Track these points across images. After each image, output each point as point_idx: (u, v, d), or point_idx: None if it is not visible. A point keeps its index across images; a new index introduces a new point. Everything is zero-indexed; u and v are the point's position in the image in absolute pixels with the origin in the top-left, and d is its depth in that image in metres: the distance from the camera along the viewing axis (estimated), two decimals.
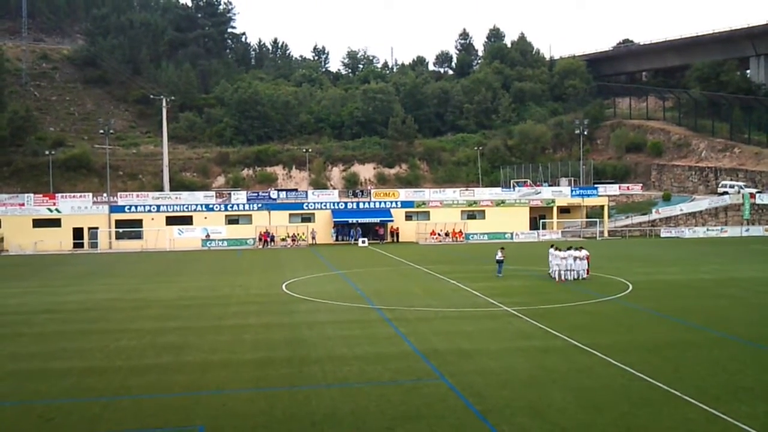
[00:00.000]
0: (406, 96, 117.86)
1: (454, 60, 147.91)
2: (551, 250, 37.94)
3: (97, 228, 72.08)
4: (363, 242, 72.15)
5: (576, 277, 37.09)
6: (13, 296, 35.41)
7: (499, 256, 40.13)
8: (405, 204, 77.79)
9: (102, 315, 28.83)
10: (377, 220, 75.53)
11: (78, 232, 72.22)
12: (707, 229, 77.24)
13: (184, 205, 74.56)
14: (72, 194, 77.06)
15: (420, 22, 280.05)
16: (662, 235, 76.63)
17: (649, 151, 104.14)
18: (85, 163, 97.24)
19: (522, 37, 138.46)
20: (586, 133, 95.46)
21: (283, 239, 72.79)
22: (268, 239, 72.25)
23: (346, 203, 77.19)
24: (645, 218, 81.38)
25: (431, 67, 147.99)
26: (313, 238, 74.07)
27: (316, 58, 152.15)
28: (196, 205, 74.68)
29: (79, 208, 72.85)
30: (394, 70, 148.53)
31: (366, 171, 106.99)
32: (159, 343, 22.95)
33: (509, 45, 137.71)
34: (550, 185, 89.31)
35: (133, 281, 41.41)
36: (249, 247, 72.05)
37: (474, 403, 15.87)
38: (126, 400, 16.77)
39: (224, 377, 18.58)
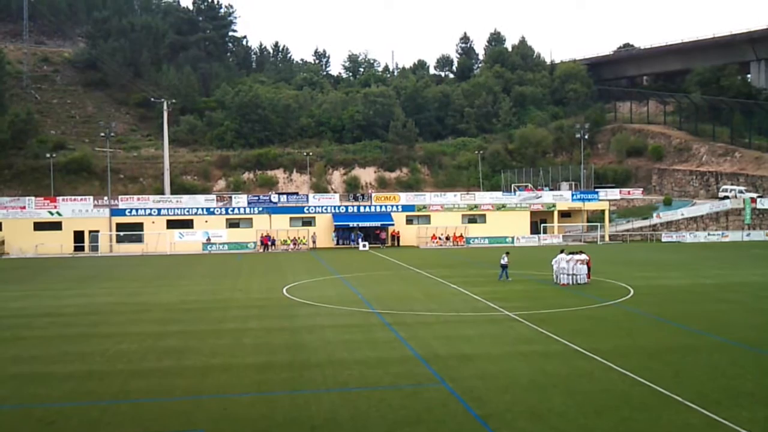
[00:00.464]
0: (406, 100, 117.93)
1: (455, 64, 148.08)
2: (561, 256, 37.74)
3: (98, 231, 72.08)
4: (364, 246, 72.13)
5: (575, 281, 37.02)
6: (13, 299, 35.41)
7: (504, 260, 40.12)
8: (406, 208, 77.77)
9: (103, 318, 28.82)
10: (378, 223, 75.49)
11: (79, 236, 72.21)
12: (708, 234, 77.19)
13: (184, 208, 74.56)
14: (73, 197, 77.11)
15: (421, 26, 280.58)
16: (663, 239, 76.58)
17: (650, 155, 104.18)
18: (86, 166, 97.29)
19: (523, 41, 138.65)
20: (586, 137, 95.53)
21: (284, 243, 72.76)
22: (269, 243, 72.24)
23: (346, 207, 77.17)
24: (646, 223, 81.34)
25: (432, 71, 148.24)
26: (314, 241, 74.05)
27: (317, 61, 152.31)
28: (197, 208, 74.68)
29: (80, 211, 72.85)
30: (395, 73, 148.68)
31: (367, 175, 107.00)
32: (160, 346, 22.95)
33: (510, 49, 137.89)
34: (550, 189, 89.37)
35: (134, 285, 41.40)
36: (250, 250, 72.03)
37: (474, 408, 15.87)
38: (126, 404, 16.77)
39: (225, 381, 18.58)
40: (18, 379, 19.16)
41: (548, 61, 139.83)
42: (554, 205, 79.99)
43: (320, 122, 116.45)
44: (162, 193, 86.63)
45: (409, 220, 77.51)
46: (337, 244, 75.42)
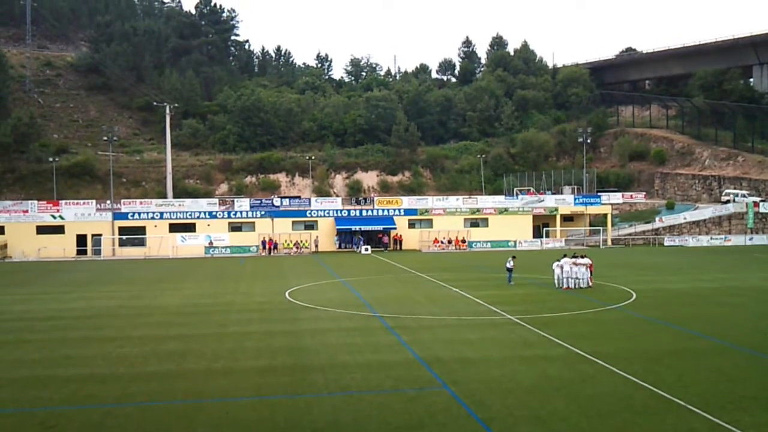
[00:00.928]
0: (408, 103, 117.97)
1: (457, 68, 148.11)
2: (566, 260, 37.67)
3: (100, 235, 72.15)
4: (366, 250, 72.12)
5: (577, 285, 36.97)
6: (16, 303, 35.45)
7: (509, 264, 40.09)
8: (408, 212, 77.79)
9: (105, 322, 28.82)
10: (380, 227, 75.52)
11: (81, 239, 72.31)
12: (711, 238, 77.13)
13: (187, 212, 74.62)
14: (75, 201, 77.21)
15: (423, 30, 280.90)
16: (666, 243, 76.54)
17: (653, 159, 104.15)
18: (88, 170, 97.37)
19: (525, 45, 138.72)
20: (589, 141, 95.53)
21: (286, 246, 72.70)
22: (273, 247, 72.26)
23: (349, 211, 77.20)
24: (648, 227, 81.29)
25: (434, 75, 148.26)
26: (317, 245, 74.05)
27: (319, 65, 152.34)
28: (199, 212, 74.75)
29: (82, 215, 72.95)
30: (397, 77, 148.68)
31: (369, 178, 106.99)
32: (161, 350, 22.94)
33: (512, 53, 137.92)
34: (553, 193, 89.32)
35: (136, 288, 41.42)
36: (252, 254, 72.03)
37: (477, 412, 15.84)
38: (128, 408, 16.76)
39: (226, 385, 18.56)
40: (19, 383, 19.16)
41: (550, 65, 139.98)
42: (556, 209, 79.96)
43: (322, 126, 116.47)
44: (164, 196, 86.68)
45: (412, 224, 77.50)
46: (340, 247, 75.40)
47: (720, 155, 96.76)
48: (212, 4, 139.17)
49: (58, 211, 73.07)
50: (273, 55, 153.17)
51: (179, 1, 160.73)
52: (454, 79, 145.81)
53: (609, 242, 77.73)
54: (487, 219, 78.48)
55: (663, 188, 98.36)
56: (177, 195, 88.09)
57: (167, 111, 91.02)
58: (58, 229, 72.05)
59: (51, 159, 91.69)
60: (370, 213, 77.15)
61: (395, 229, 75.91)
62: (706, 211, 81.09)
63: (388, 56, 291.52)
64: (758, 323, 26.70)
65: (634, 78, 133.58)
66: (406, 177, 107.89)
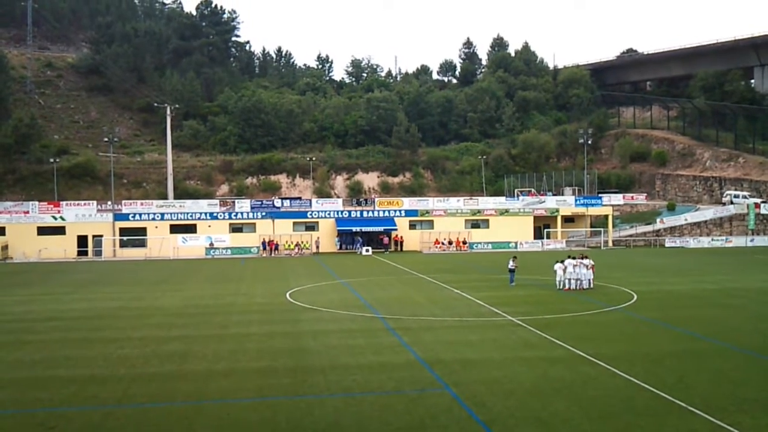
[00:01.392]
0: (409, 105, 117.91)
1: (458, 69, 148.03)
2: (569, 261, 37.67)
3: (101, 236, 72.13)
4: (367, 251, 72.10)
5: (579, 286, 36.95)
6: (17, 304, 35.45)
7: (511, 265, 40.07)
8: (409, 213, 77.75)
9: (105, 323, 28.82)
10: (381, 228, 75.47)
11: (82, 240, 72.30)
12: (712, 239, 77.07)
13: (188, 213, 74.61)
14: (76, 202, 77.21)
15: (424, 31, 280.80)
16: (667, 244, 76.47)
17: (654, 160, 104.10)
18: (89, 171, 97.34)
19: (526, 46, 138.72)
20: (590, 142, 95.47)
21: (287, 247, 72.61)
22: (274, 248, 72.24)
23: (350, 212, 77.17)
24: (649, 228, 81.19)
25: (435, 76, 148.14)
26: (317, 246, 74.03)
27: (319, 66, 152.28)
28: (200, 213, 74.73)
29: (83, 216, 72.94)
30: (398, 78, 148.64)
31: (370, 180, 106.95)
32: (162, 351, 22.93)
33: (513, 54, 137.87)
34: (554, 194, 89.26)
35: (137, 289, 41.41)
36: (253, 255, 72.01)
37: (478, 413, 15.82)
38: (129, 409, 16.76)
39: (227, 386, 18.56)
40: (20, 384, 19.16)
41: (551, 66, 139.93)
42: (557, 211, 79.91)
43: (323, 127, 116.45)
44: (165, 197, 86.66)
45: (412, 225, 77.45)
46: (340, 248, 75.36)
47: (721, 156, 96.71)
48: (213, 5, 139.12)
49: (59, 212, 73.06)
50: (274, 56, 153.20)
51: (180, 2, 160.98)
52: (454, 80, 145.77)
53: (610, 243, 77.67)
54: (487, 220, 78.45)
55: (664, 189, 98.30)
56: (178, 196, 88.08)
57: (168, 112, 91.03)
58: (59, 230, 72.04)
59: (52, 160, 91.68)
60: (370, 214, 77.12)
61: (396, 230, 75.86)
62: (707, 213, 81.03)
63: (388, 57, 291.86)
64: (759, 325, 26.68)
65: (635, 79, 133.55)
66: (406, 178, 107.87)
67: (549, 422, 15.24)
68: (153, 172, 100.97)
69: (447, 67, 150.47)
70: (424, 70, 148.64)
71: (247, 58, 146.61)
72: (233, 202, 78.43)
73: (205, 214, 74.69)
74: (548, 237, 77.95)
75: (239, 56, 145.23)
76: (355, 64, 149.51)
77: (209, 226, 74.12)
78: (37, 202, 75.06)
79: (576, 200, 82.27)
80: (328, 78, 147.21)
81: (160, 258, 69.80)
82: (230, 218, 75.04)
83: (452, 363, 20.61)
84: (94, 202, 76.41)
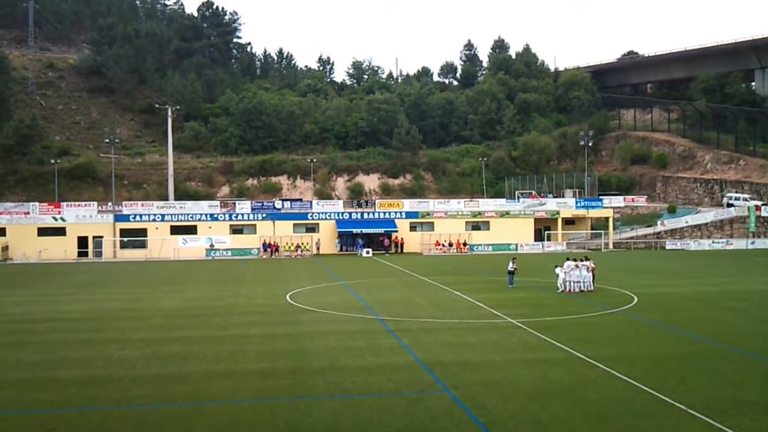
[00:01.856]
0: (410, 106, 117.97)
1: (459, 71, 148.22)
2: (569, 263, 37.66)
3: (101, 237, 72.12)
4: (367, 253, 72.07)
5: (583, 289, 36.91)
6: (17, 305, 35.44)
7: (510, 266, 40.07)
8: (409, 215, 77.72)
9: (105, 324, 28.81)
10: (381, 230, 75.42)
11: (83, 241, 72.27)
12: (712, 242, 77.01)
13: (188, 214, 74.59)
14: (77, 203, 77.17)
15: (425, 33, 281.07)
16: (667, 247, 76.40)
17: (654, 162, 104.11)
18: (90, 172, 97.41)
19: (527, 49, 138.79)
20: (590, 144, 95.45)
21: (287, 249, 72.57)
22: (275, 249, 72.23)
23: (350, 213, 77.14)
24: (650, 230, 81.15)
25: (436, 78, 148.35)
26: (318, 248, 74.01)
27: (321, 68, 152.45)
28: (201, 214, 74.71)
29: (83, 217, 72.93)
30: (399, 80, 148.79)
31: (370, 181, 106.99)
32: (162, 352, 22.93)
33: (514, 56, 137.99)
34: (554, 197, 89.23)
35: (137, 290, 41.40)
36: (253, 257, 71.99)
37: (478, 416, 15.81)
38: (129, 410, 16.75)
39: (227, 387, 18.55)
40: (20, 385, 19.16)
41: (552, 68, 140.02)
42: (558, 213, 79.88)
43: (324, 129, 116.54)
44: (166, 199, 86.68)
45: (413, 227, 77.42)
46: (341, 250, 75.33)
47: (722, 159, 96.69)
48: (214, 6, 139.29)
49: (59, 213, 73.03)
50: (275, 57, 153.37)
51: (181, 4, 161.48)
52: (455, 82, 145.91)
53: (610, 246, 77.62)
54: (488, 222, 78.41)
55: (665, 192, 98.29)
56: (178, 197, 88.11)
57: (169, 113, 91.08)
58: (60, 231, 72.00)
59: (53, 161, 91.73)
60: (371, 216, 77.10)
61: (396, 231, 75.83)
62: (708, 215, 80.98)
63: (389, 59, 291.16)
64: (760, 327, 26.67)
65: (636, 81, 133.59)
66: (407, 180, 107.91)
67: (548, 424, 15.23)
68: (154, 173, 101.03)
69: (448, 69, 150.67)
70: (424, 72, 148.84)
71: (249, 60, 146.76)
72: (234, 203, 78.41)
73: (206, 215, 74.67)
74: (549, 239, 77.91)
75: (240, 58, 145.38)
76: (356, 65, 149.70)
77: (210, 228, 74.10)
78: (37, 203, 75.03)
79: (576, 202, 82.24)
80: (329, 80, 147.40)
81: (161, 259, 69.79)
82: (231, 220, 75.00)
83: (452, 365, 20.60)
84: (95, 203, 76.40)
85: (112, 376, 19.84)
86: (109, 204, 75.80)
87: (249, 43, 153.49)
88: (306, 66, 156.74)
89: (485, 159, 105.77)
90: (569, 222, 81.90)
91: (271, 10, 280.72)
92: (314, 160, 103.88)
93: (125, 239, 72.61)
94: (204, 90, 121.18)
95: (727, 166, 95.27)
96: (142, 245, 72.34)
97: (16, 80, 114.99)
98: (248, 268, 57.43)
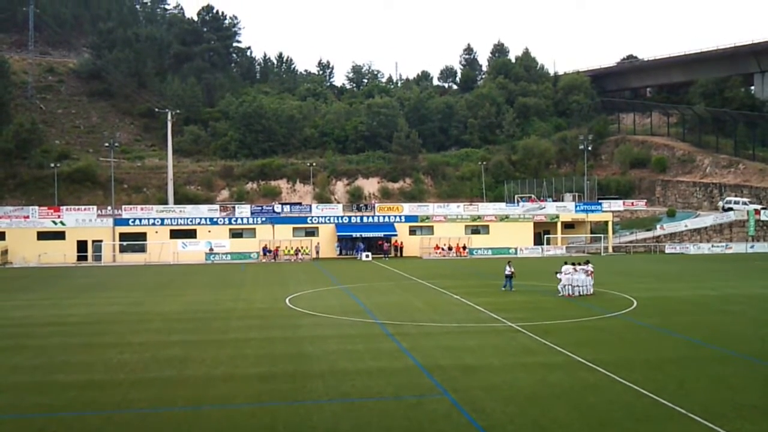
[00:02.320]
0: (410, 110, 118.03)
1: (459, 75, 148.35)
2: (567, 267, 37.68)
3: (101, 241, 72.10)
4: (367, 256, 72.05)
5: (582, 293, 36.92)
6: (16, 308, 35.41)
7: (508, 270, 40.10)
8: (409, 218, 77.72)
9: (105, 328, 28.79)
10: (381, 234, 75.40)
11: (82, 245, 72.23)
12: (712, 246, 77.01)
13: (188, 218, 74.59)
14: (76, 207, 77.18)
15: (424, 37, 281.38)
16: (667, 251, 76.40)
17: (654, 166, 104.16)
18: (89, 176, 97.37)
19: (526, 53, 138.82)
20: (590, 148, 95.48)
21: (287, 253, 72.55)
22: (278, 252, 72.27)
23: (350, 217, 77.13)
24: (649, 234, 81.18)
25: (435, 82, 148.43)
26: (317, 252, 74.00)
27: (320, 72, 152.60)
28: (200, 218, 74.71)
29: (83, 221, 72.92)
30: (399, 84, 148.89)
31: (370, 185, 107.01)
32: (162, 356, 22.92)
33: (513, 60, 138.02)
34: (554, 201, 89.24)
35: (137, 294, 41.38)
36: (253, 260, 71.98)
37: (477, 419, 15.81)
38: (128, 414, 16.74)
39: (227, 391, 18.55)
40: (19, 389, 19.14)
41: (552, 72, 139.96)
42: (557, 217, 79.89)
43: (324, 133, 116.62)
44: (165, 203, 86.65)
45: (412, 231, 77.41)
46: (340, 254, 75.33)
47: (721, 163, 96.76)
48: (214, 10, 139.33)
49: (59, 216, 73.03)
50: (275, 61, 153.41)
51: (181, 8, 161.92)
52: (455, 86, 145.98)
53: (610, 250, 77.64)
54: (488, 226, 78.41)
55: (664, 196, 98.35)
56: (178, 201, 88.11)
57: (169, 117, 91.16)
58: (59, 235, 71.95)
59: (52, 165, 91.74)
60: (370, 220, 77.11)
61: (396, 235, 75.84)
62: (707, 219, 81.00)
63: (389, 63, 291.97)
64: (759, 331, 26.66)
65: (635, 85, 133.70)
66: (407, 184, 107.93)
67: (548, 428, 15.22)
68: (153, 177, 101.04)
69: (447, 73, 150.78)
70: (424, 76, 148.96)
71: (248, 64, 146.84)
72: (233, 207, 78.40)
73: (205, 219, 74.68)
74: (548, 243, 77.89)
75: (240, 62, 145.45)
76: (356, 69, 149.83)
77: (209, 232, 74.10)
78: (37, 207, 75.05)
79: (576, 206, 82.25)
80: (328, 84, 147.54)
81: (160, 263, 69.78)
82: (230, 223, 75.00)
83: (451, 369, 20.59)
84: (94, 207, 76.37)
85: (112, 380, 19.83)
86: (109, 208, 75.78)
87: (249, 48, 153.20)
88: (306, 70, 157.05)
89: (485, 163, 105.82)
90: (569, 226, 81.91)
91: (271, 15, 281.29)
92: (314, 164, 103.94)
93: (125, 243, 72.58)
94: (204, 94, 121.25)
95: (727, 170, 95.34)
96: (142, 249, 72.33)
97: (16, 84, 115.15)
98: (248, 272, 57.43)
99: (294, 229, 75.32)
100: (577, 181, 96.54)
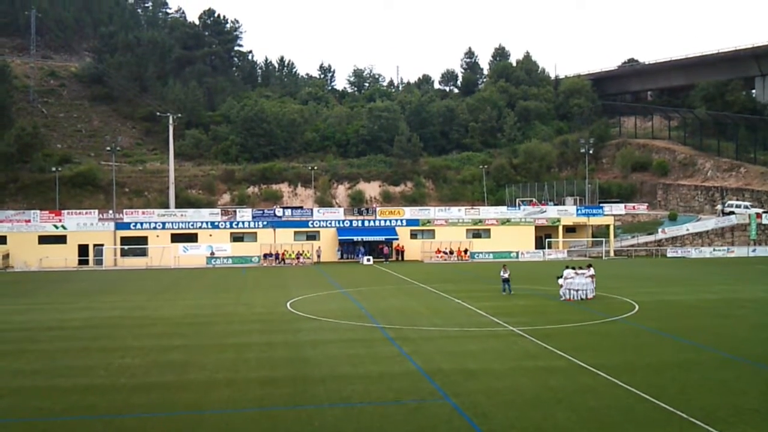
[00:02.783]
0: (411, 114, 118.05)
1: (460, 79, 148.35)
2: (569, 271, 37.67)
3: (102, 245, 72.16)
4: (368, 260, 72.04)
5: (583, 297, 36.88)
6: (17, 313, 35.45)
7: (504, 274, 40.10)
8: (410, 222, 77.73)
9: (106, 332, 28.80)
10: (382, 238, 75.41)
11: (83, 249, 72.31)
12: (713, 249, 76.96)
13: (189, 222, 74.64)
14: (78, 211, 77.29)
15: (426, 41, 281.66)
16: (668, 255, 76.37)
17: (655, 170, 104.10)
18: (91, 180, 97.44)
19: (527, 56, 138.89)
20: (591, 152, 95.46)
21: (288, 257, 72.55)
22: (276, 257, 72.25)
23: (351, 221, 77.16)
24: (651, 238, 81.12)
25: (437, 86, 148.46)
26: (319, 256, 74.00)
27: (322, 76, 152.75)
28: (202, 222, 74.75)
29: (84, 225, 73.01)
30: (400, 88, 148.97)
31: (371, 189, 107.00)
32: (163, 361, 22.92)
33: (514, 64, 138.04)
34: (555, 204, 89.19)
35: (138, 298, 41.40)
36: (254, 264, 71.99)
37: (479, 424, 15.79)
38: (129, 419, 16.73)
39: (228, 396, 18.54)
40: (20, 393, 19.15)
41: (553, 76, 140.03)
42: (559, 220, 79.89)
43: (325, 137, 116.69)
44: (167, 206, 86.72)
45: (414, 235, 77.42)
46: (341, 258, 75.34)
47: (722, 166, 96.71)
48: (216, 14, 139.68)
49: (60, 220, 73.14)
50: (276, 65, 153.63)
51: (183, 12, 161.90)
52: (456, 90, 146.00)
53: (611, 253, 77.60)
54: (489, 230, 78.42)
55: (665, 199, 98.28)
56: (179, 205, 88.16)
57: (170, 121, 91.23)
58: (60, 239, 72.08)
59: (54, 169, 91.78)
60: (372, 223, 77.11)
61: (397, 239, 75.84)
62: (709, 223, 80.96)
63: (390, 67, 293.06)
64: (761, 335, 26.63)
65: (636, 89, 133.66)
66: (408, 187, 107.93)
67: None
68: (155, 181, 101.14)
69: (449, 77, 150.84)
70: (425, 80, 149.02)
71: (250, 68, 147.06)
72: (234, 211, 78.47)
73: (207, 223, 74.73)
74: (549, 247, 77.90)
75: (242, 66, 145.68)
76: (357, 73, 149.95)
77: (210, 236, 74.15)
78: (38, 211, 75.17)
79: (577, 210, 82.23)
80: (330, 87, 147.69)
81: (161, 267, 69.82)
82: (231, 227, 75.06)
83: (453, 373, 20.57)
84: (96, 211, 76.47)
85: (113, 385, 19.82)
86: (110, 212, 75.89)
87: (250, 51, 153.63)
88: (307, 74, 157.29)
89: (486, 167, 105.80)
90: (570, 230, 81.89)
91: (272, 19, 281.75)
92: (315, 167, 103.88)
93: (126, 247, 72.65)
94: (205, 98, 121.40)
95: (728, 173, 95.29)
96: (143, 253, 72.40)
97: (17, 88, 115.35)
98: (249, 276, 57.44)
99: (295, 232, 75.38)
100: (578, 185, 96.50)
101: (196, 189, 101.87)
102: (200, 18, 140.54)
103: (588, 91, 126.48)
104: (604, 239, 78.44)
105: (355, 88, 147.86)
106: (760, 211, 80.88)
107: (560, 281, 37.60)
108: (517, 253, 75.49)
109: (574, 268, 38.35)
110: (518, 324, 29.01)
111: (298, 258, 72.31)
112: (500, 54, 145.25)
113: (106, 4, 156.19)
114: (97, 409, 17.54)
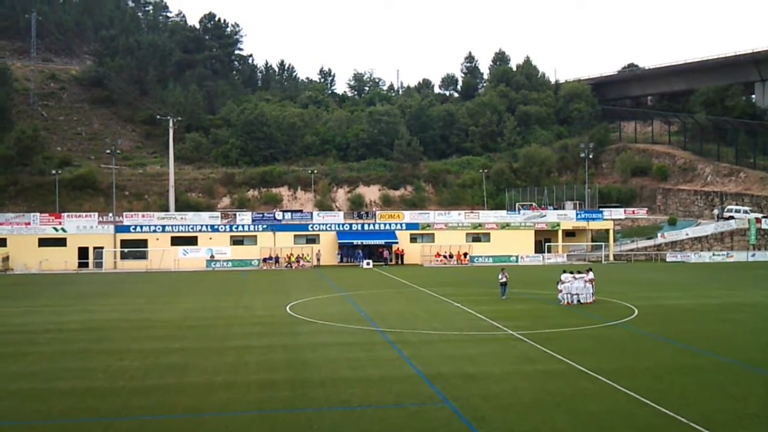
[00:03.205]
0: (411, 118, 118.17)
1: (460, 83, 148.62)
2: (567, 275, 37.67)
3: (102, 248, 72.15)
4: (368, 264, 72.02)
5: (579, 300, 36.88)
6: (17, 315, 35.42)
7: (501, 278, 40.11)
8: (410, 226, 77.75)
9: (105, 335, 28.77)
10: (382, 241, 75.40)
11: (83, 252, 72.29)
12: (713, 254, 76.96)
13: (189, 225, 74.64)
14: (78, 214, 77.20)
15: (426, 45, 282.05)
16: (668, 259, 76.35)
17: (655, 175, 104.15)
18: (91, 183, 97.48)
19: (527, 61, 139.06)
20: (591, 156, 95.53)
21: (290, 260, 72.60)
22: (276, 260, 72.25)
23: (351, 225, 77.17)
24: (650, 242, 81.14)
25: (437, 90, 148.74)
26: (318, 259, 73.99)
27: (322, 80, 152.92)
28: (201, 225, 74.76)
29: (84, 228, 72.98)
30: (400, 92, 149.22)
31: (371, 193, 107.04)
32: (162, 363, 22.89)
33: (515, 68, 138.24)
34: (555, 208, 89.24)
35: (137, 301, 41.37)
36: (254, 267, 71.97)
37: (478, 428, 15.78)
38: (128, 421, 16.71)
39: (227, 399, 18.52)
40: (19, 396, 19.12)
41: (553, 80, 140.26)
42: (558, 225, 79.89)
43: (325, 140, 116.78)
44: (166, 210, 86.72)
45: (413, 239, 77.44)
46: (341, 261, 75.34)
47: (722, 171, 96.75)
48: (216, 18, 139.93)
49: (60, 223, 73.09)
50: (276, 69, 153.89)
51: (183, 16, 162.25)
52: (456, 94, 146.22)
53: (611, 258, 77.60)
54: (489, 234, 78.43)
55: (665, 204, 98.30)
56: (179, 208, 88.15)
57: (170, 124, 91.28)
58: (60, 242, 72.05)
59: (54, 171, 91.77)
60: (371, 227, 77.11)
61: (397, 243, 75.84)
62: (708, 227, 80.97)
63: (391, 71, 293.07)
64: (760, 340, 26.62)
65: (636, 94, 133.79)
66: (408, 191, 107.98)
67: None
68: (155, 184, 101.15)
69: (449, 81, 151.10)
70: (425, 84, 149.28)
71: (250, 71, 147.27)
72: (234, 214, 78.48)
73: (207, 226, 74.73)
74: (549, 251, 77.92)
75: (242, 69, 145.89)
76: (357, 77, 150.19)
77: (210, 239, 74.14)
78: (38, 214, 75.09)
79: (577, 214, 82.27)
80: (330, 91, 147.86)
81: (161, 270, 69.78)
82: (231, 231, 75.04)
83: (452, 377, 20.56)
84: (96, 214, 76.42)
85: (112, 387, 19.80)
86: (110, 215, 75.85)
87: (250, 55, 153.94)
88: (307, 78, 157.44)
89: (486, 171, 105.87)
90: (570, 234, 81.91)
91: (272, 23, 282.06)
92: (315, 171, 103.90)
93: (126, 250, 72.62)
94: (205, 101, 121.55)
95: (728, 178, 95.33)
96: (143, 256, 72.35)
97: (18, 91, 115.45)
98: (249, 280, 57.41)
99: (295, 236, 75.38)
100: (578, 189, 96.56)
101: (196, 192, 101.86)
102: (201, 22, 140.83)
103: (588, 96, 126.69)
104: (603, 244, 78.44)
105: (356, 92, 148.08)
106: (759, 216, 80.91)
107: (559, 286, 37.60)
108: (517, 257, 75.49)
109: (572, 272, 38.35)
110: (517, 328, 29.00)
111: (298, 261, 72.31)
112: (500, 58, 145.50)
113: (107, 7, 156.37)
114: (96, 411, 17.51)
